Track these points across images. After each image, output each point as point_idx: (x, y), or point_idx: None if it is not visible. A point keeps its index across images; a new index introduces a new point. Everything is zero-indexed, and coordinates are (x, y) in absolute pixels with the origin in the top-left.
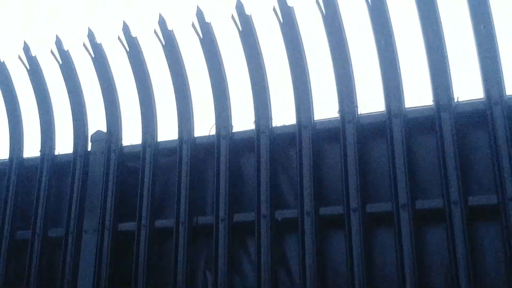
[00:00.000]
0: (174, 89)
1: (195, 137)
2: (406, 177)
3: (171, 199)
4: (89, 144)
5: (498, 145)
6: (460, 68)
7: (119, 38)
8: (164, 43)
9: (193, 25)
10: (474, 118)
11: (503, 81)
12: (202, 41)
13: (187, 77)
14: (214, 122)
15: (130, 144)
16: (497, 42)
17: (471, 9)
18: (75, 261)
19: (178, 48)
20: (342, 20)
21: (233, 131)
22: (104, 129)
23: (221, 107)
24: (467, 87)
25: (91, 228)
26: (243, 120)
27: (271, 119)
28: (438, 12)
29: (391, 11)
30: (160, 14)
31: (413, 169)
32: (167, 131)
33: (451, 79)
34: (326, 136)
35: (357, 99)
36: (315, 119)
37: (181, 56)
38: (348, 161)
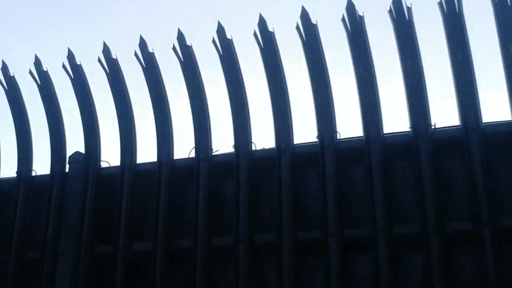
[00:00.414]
0: (154, 110)
1: (174, 160)
2: (384, 202)
3: (150, 222)
4: (67, 165)
5: (474, 172)
6: (438, 95)
7: (99, 59)
8: (144, 65)
9: (174, 49)
10: (451, 145)
11: (479, 108)
12: (183, 64)
13: (167, 99)
14: (193, 145)
15: (108, 165)
16: (473, 70)
17: (448, 37)
18: (51, 284)
19: (159, 70)
20: (322, 47)
21: (212, 154)
22: (83, 150)
23: (201, 130)
24: (445, 114)
25: (67, 250)
26: (223, 143)
27: (251, 142)
28: (417, 40)
29: (371, 38)
30: (140, 35)
31: (390, 195)
32: (147, 153)
33: (428, 106)
34: (306, 161)
35: (337, 124)
36: (294, 143)
37: (161, 78)
38: (326, 186)
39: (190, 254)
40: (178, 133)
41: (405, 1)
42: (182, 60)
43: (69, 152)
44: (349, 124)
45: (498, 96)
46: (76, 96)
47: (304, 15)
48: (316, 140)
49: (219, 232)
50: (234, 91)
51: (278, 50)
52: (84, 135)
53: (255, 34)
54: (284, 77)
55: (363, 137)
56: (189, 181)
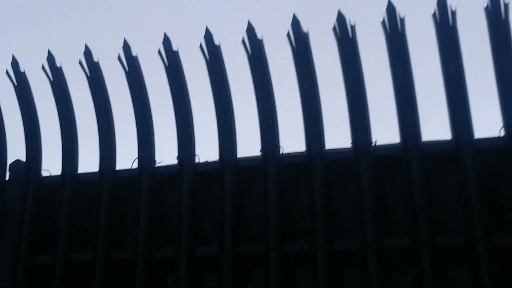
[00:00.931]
0: (97, 121)
1: (117, 170)
2: (324, 218)
3: (90, 232)
4: (7, 173)
5: (413, 188)
6: (379, 112)
7: (43, 67)
8: (89, 75)
9: (119, 58)
10: (391, 161)
11: (419, 127)
12: (128, 75)
13: (110, 109)
14: (137, 156)
15: (49, 174)
16: (414, 89)
17: (390, 56)
18: None
19: (104, 81)
20: (267, 62)
21: (156, 165)
22: (24, 158)
23: (145, 141)
24: (386, 132)
25: (5, 260)
26: (167, 155)
27: (195, 155)
28: (360, 58)
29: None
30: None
31: (332, 210)
32: (89, 163)
33: (370, 123)
34: (249, 174)
35: (279, 139)
36: (238, 157)
37: (105, 88)
38: (269, 200)
39: (130, 265)
40: (123, 144)
41: (348, 20)
42: (127, 70)
43: (10, 160)
44: (294, 139)
45: (440, 115)
46: (19, 103)
47: (250, 30)
48: (260, 154)
49: (160, 243)
50: (179, 103)
51: (224, 64)
52: (26, 142)
53: (201, 47)
54: (230, 92)
55: (305, 153)
56: (131, 192)
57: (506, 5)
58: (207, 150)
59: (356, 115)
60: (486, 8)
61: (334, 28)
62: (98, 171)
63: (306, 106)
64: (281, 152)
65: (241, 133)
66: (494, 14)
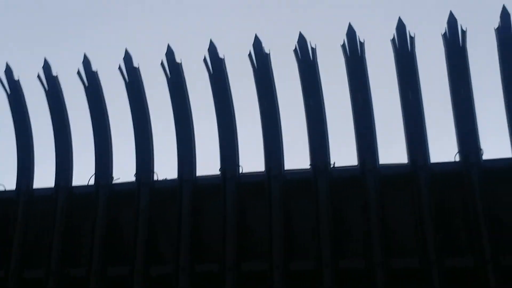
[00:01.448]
0: (54, 135)
1: (73, 186)
2: (282, 238)
3: (44, 248)
4: None
5: (370, 210)
6: (339, 135)
7: (0, 80)
8: (47, 89)
9: (78, 73)
10: (348, 183)
11: (377, 150)
12: (87, 89)
13: (68, 124)
14: (94, 172)
15: (3, 189)
16: (372, 113)
17: (349, 80)
18: None
19: (62, 96)
20: (228, 81)
21: (113, 182)
22: None
23: (102, 157)
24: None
25: None
26: (125, 172)
27: (153, 172)
28: (320, 79)
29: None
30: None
31: (289, 230)
32: (45, 178)
33: (329, 144)
34: (207, 192)
35: (239, 158)
36: (197, 175)
37: (64, 103)
38: (227, 219)
39: (84, 283)
40: (79, 159)
41: (309, 42)
42: (87, 85)
43: None
44: (254, 159)
45: (398, 138)
46: None
47: (212, 49)
48: (219, 173)
49: (116, 261)
50: (139, 121)
51: (185, 81)
52: None
53: (162, 64)
54: (190, 109)
55: (264, 173)
56: (87, 209)
57: (463, 32)
58: (165, 167)
59: (315, 136)
60: (444, 35)
61: (295, 50)
62: (54, 186)
63: (266, 125)
64: (240, 171)
65: (201, 151)
66: (452, 41)
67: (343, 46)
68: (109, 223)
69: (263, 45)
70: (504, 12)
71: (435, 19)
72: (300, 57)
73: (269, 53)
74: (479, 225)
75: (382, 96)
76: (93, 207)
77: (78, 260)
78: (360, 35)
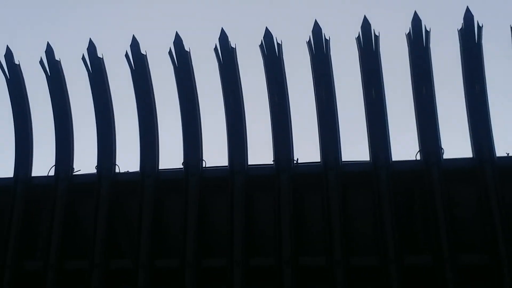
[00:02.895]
0: (15, 126)
1: (32, 177)
2: (242, 234)
3: (1, 240)
4: None
5: (331, 208)
6: (304, 132)
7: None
8: (8, 77)
9: (41, 62)
10: (310, 180)
11: (340, 148)
12: (49, 79)
13: (30, 114)
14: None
15: None
16: (336, 110)
17: (314, 74)
18: None
19: (24, 84)
20: (194, 75)
21: (73, 174)
22: None
23: (63, 149)
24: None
25: None
26: (85, 163)
27: (115, 164)
28: (285, 76)
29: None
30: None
31: (250, 227)
32: (5, 169)
33: (292, 141)
34: (170, 187)
35: (203, 153)
36: (160, 168)
37: (26, 94)
38: (188, 214)
39: (40, 277)
40: (42, 150)
41: (275, 38)
42: (49, 75)
43: None
44: (218, 153)
45: (361, 136)
46: None
47: (178, 42)
48: (182, 166)
49: (74, 255)
50: (101, 112)
51: (150, 75)
52: None
53: (127, 56)
54: (154, 103)
55: (227, 167)
56: (46, 200)
57: (427, 32)
58: (128, 160)
59: (279, 132)
60: (409, 35)
61: (261, 45)
62: (13, 177)
63: (230, 120)
64: (203, 166)
65: (165, 146)
66: (415, 40)
67: (309, 42)
68: (68, 216)
69: (229, 39)
70: (468, 13)
71: (401, 18)
72: (265, 52)
73: (235, 48)
74: (438, 224)
75: (346, 94)
76: (52, 198)
77: (35, 253)
78: (326, 32)
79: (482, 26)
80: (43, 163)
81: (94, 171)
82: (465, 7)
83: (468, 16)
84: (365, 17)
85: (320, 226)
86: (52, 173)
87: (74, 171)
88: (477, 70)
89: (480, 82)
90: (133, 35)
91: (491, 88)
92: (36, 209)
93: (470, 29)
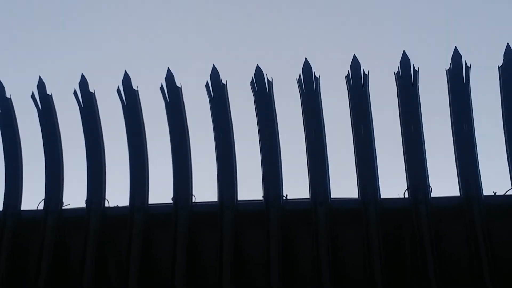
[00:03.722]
0: (5, 160)
1: (21, 210)
2: (231, 269)
3: None
4: None
5: (320, 242)
6: (293, 168)
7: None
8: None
9: (32, 96)
10: (300, 215)
11: (329, 185)
12: (40, 112)
13: (20, 149)
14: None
15: None
16: (326, 147)
17: (304, 115)
18: None
19: (15, 120)
20: (185, 111)
21: (63, 207)
22: None
23: (52, 183)
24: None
25: None
26: (75, 198)
27: (104, 199)
28: (275, 113)
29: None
30: None
31: (239, 261)
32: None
33: (282, 177)
34: (159, 221)
35: (193, 188)
36: (149, 203)
37: (17, 128)
38: (177, 249)
39: None
40: (31, 184)
41: (266, 76)
42: (40, 109)
43: None
44: (208, 189)
45: (350, 172)
46: None
47: (169, 78)
48: (171, 201)
49: (64, 285)
50: (91, 147)
51: (141, 110)
52: None
53: (118, 91)
54: (145, 138)
55: (217, 202)
56: (35, 234)
57: (415, 72)
58: (118, 194)
59: (268, 168)
60: (398, 74)
61: (252, 82)
62: (2, 210)
63: (220, 155)
64: (193, 201)
65: (155, 180)
66: (404, 79)
67: (299, 80)
68: (57, 250)
69: (221, 76)
70: (456, 53)
71: (388, 57)
72: (256, 89)
73: (226, 85)
74: (426, 260)
75: (335, 131)
76: (42, 232)
77: (24, 285)
78: (316, 70)
79: (470, 66)
80: (33, 197)
81: (84, 205)
82: (453, 48)
83: (456, 56)
84: (354, 55)
85: (309, 262)
86: (41, 206)
87: (64, 205)
88: (465, 109)
89: (468, 121)
90: (125, 70)
91: (479, 127)
92: (25, 242)
93: (458, 69)
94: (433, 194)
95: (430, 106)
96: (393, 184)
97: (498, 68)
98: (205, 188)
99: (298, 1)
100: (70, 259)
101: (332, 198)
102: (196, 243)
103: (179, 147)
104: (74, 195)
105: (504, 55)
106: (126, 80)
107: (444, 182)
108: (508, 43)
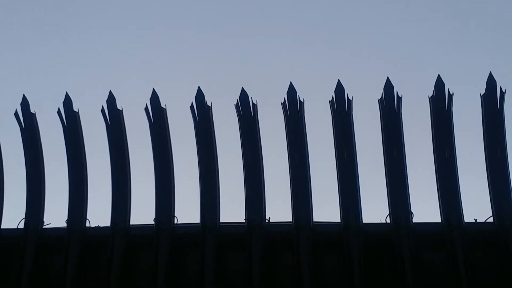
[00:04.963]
0: None
1: (1, 228)
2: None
3: None
4: None
5: (302, 266)
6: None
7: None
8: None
9: (16, 115)
10: (283, 239)
11: (312, 209)
12: (23, 131)
13: (2, 168)
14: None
15: None
16: (309, 174)
17: (288, 139)
18: None
19: None
20: (169, 133)
21: (43, 227)
22: None
23: (34, 202)
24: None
25: None
26: (56, 217)
27: (85, 219)
28: (259, 136)
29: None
30: None
31: (221, 283)
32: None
33: (265, 200)
34: (140, 242)
35: (175, 210)
36: (131, 224)
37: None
38: (159, 270)
39: None
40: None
41: (251, 98)
42: (23, 126)
43: None
44: (191, 210)
45: (332, 197)
46: None
47: (154, 99)
48: (153, 223)
49: None
50: (74, 168)
51: (125, 131)
52: None
53: (103, 110)
54: (128, 158)
55: (199, 224)
56: (14, 253)
57: (399, 98)
58: (100, 214)
59: (251, 191)
60: (381, 100)
61: (236, 105)
62: None
63: (203, 178)
64: (175, 222)
65: (137, 201)
66: (387, 105)
67: (283, 104)
68: (37, 270)
69: (206, 98)
70: (439, 81)
71: (371, 84)
72: (241, 111)
73: (211, 106)
74: (406, 285)
75: (319, 156)
76: (22, 251)
77: None
78: (301, 94)
79: (453, 94)
80: (13, 216)
81: (65, 225)
82: (437, 75)
83: (440, 84)
84: (339, 81)
85: (291, 283)
86: (21, 225)
87: (44, 224)
88: (447, 137)
89: (449, 148)
90: (110, 90)
91: (461, 154)
92: (4, 261)
93: (441, 96)
94: (414, 220)
95: (413, 132)
96: (375, 209)
97: (481, 96)
98: (187, 210)
99: (284, 26)
100: (50, 279)
101: (315, 222)
102: (178, 264)
103: (162, 168)
104: (55, 215)
105: (486, 84)
106: (111, 99)
107: (425, 209)
108: (490, 72)
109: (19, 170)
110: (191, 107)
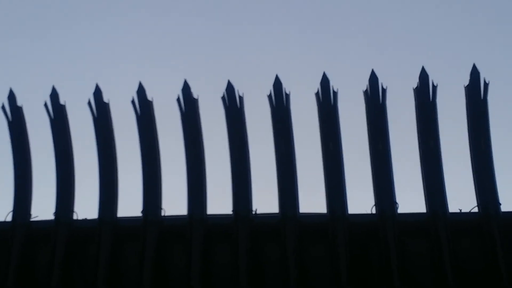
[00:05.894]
0: None
1: None
2: (199, 283)
3: None
4: None
5: (288, 258)
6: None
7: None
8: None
9: (3, 107)
10: (269, 231)
11: (297, 199)
12: (10, 124)
13: None
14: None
15: None
16: (295, 164)
17: (274, 127)
18: None
19: None
20: (155, 123)
21: (31, 219)
22: None
23: (21, 195)
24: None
25: None
26: (44, 210)
27: (73, 211)
28: (246, 128)
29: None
30: None
31: (208, 275)
32: None
33: (251, 191)
34: (127, 235)
35: (162, 202)
36: (118, 216)
37: None
38: (145, 262)
39: None
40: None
41: (237, 90)
42: (11, 120)
43: None
44: (178, 202)
45: (318, 188)
46: None
47: (141, 91)
48: (141, 215)
49: None
50: (62, 161)
51: (112, 123)
52: None
53: (89, 103)
54: (115, 151)
55: (187, 216)
56: (2, 245)
57: (384, 90)
58: (88, 206)
59: (238, 183)
60: (366, 91)
61: (223, 97)
62: None
63: (190, 170)
64: (162, 214)
65: (124, 193)
66: (373, 97)
67: (270, 96)
68: (24, 262)
69: (192, 90)
70: (423, 73)
71: (358, 76)
72: (227, 104)
73: (198, 99)
74: (392, 274)
75: (305, 147)
76: (9, 244)
77: None
78: (287, 86)
79: (437, 85)
80: (1, 208)
81: (52, 217)
82: (421, 67)
83: (424, 75)
84: (324, 73)
85: (278, 275)
86: (9, 218)
87: (32, 217)
88: (432, 128)
89: (434, 139)
90: (96, 83)
91: (445, 144)
92: None
93: (425, 88)
94: (399, 210)
95: (398, 124)
96: (360, 199)
97: (464, 87)
98: (175, 202)
99: (271, 18)
100: (37, 271)
101: (301, 213)
102: (165, 256)
103: (150, 160)
104: (43, 207)
105: (470, 75)
106: (97, 92)
107: (410, 199)
108: (474, 63)
109: (7, 163)
110: (178, 99)
